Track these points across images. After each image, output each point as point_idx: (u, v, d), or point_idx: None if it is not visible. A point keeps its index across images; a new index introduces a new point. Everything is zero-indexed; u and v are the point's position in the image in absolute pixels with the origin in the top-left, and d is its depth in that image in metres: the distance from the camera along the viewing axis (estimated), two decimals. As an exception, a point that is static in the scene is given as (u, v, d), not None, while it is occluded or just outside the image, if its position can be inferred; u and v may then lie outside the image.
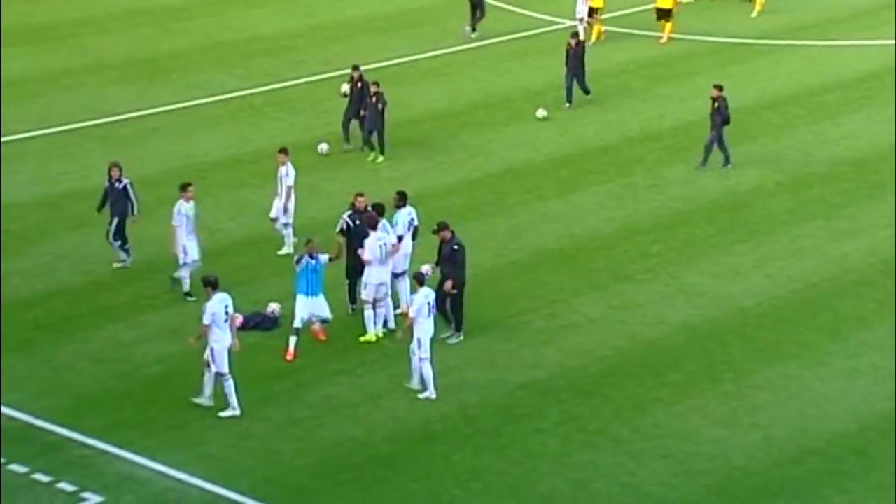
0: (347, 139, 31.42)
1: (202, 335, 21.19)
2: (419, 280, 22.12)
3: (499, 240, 27.53)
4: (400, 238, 23.91)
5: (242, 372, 22.55)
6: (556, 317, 24.71)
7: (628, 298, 25.42)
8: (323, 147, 30.97)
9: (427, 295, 21.93)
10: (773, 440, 21.10)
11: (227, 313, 21.33)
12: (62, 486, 19.52)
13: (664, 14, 39.78)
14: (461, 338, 23.54)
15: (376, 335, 23.47)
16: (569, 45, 34.34)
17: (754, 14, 41.80)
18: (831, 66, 38.13)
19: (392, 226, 23.97)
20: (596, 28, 39.44)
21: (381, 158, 30.81)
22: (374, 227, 23.44)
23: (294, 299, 23.06)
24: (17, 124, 31.42)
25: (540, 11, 41.88)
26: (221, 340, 21.23)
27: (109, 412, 21.44)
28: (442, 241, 23.40)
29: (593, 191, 30.20)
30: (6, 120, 30.54)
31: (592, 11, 39.12)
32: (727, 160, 30.99)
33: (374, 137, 31.00)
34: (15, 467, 19.89)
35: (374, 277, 23.35)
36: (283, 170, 26.21)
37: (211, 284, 21.39)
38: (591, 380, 22.73)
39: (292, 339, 22.90)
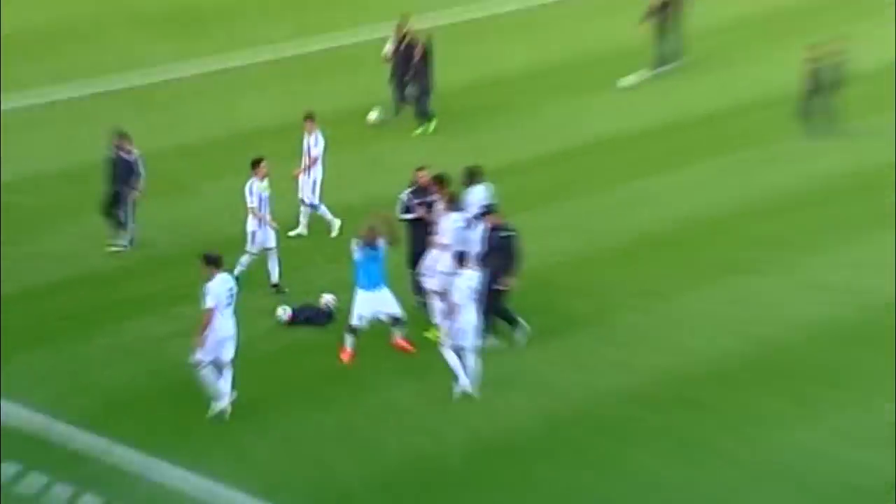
0: (397, 110, 31.14)
1: (206, 325, 21.04)
2: (461, 261, 22.15)
3: (588, 223, 27.45)
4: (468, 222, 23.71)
5: (291, 372, 22.73)
6: (653, 312, 24.64)
7: (740, 291, 25.29)
8: (373, 115, 30.86)
9: (471, 278, 21.99)
10: (912, 460, 20.91)
11: (230, 297, 21.30)
12: (86, 500, 19.70)
13: None
14: (495, 342, 23.30)
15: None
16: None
17: None
18: None
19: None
20: None
21: (432, 127, 30.60)
22: (454, 207, 23.41)
23: (353, 292, 23.04)
24: (33, 83, 31.71)
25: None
26: (223, 329, 21.21)
27: (141, 415, 21.65)
28: (492, 229, 23.20)
29: (699, 167, 30.10)
30: (22, 77, 30.87)
31: None
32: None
33: (422, 104, 30.68)
34: (35, 478, 20.10)
35: (446, 265, 23.32)
36: (311, 139, 26.05)
37: (213, 262, 21.33)
38: (695, 385, 22.61)
39: (349, 339, 22.94)
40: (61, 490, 19.90)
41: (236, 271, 24.33)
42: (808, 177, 29.53)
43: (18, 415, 21.55)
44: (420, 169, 24.42)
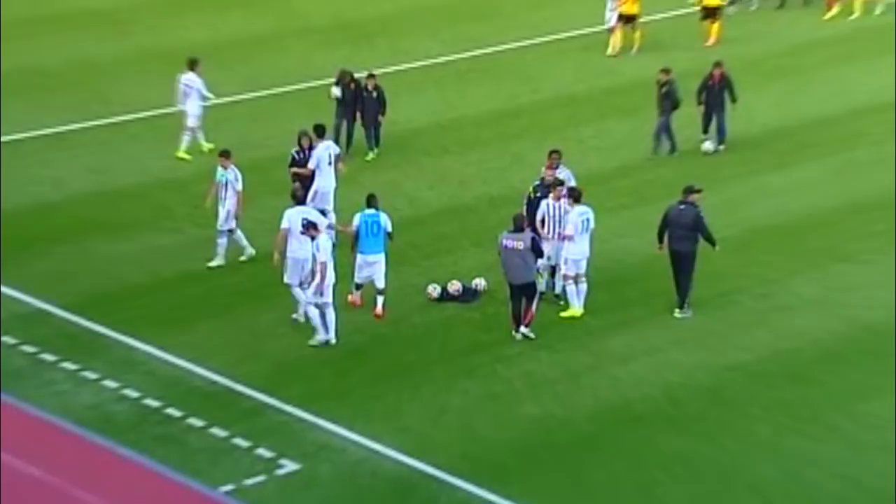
0: (349, 143, 29.49)
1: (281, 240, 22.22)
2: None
3: (711, 215, 26.85)
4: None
5: (441, 344, 22.69)
6: (769, 297, 24.22)
7: (848, 280, 24.79)
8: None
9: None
10: None
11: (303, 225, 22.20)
12: (261, 451, 19.87)
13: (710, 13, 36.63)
14: (687, 313, 23.28)
15: (580, 311, 23.31)
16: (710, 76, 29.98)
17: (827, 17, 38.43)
18: None
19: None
20: (637, 34, 35.82)
21: (372, 155, 29.36)
22: (578, 200, 23.26)
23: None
24: (224, 87, 32.06)
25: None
26: (297, 251, 22.20)
27: (307, 380, 21.75)
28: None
29: (813, 165, 29.57)
30: (215, 83, 31.23)
31: (629, 19, 35.62)
32: (673, 148, 29.73)
33: (372, 133, 29.49)
34: (216, 430, 20.34)
35: (576, 252, 23.14)
36: (230, 174, 24.69)
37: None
38: (805, 364, 22.20)
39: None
40: (240, 441, 20.11)
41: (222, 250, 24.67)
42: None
43: (202, 375, 21.82)
44: (549, 166, 24.23)
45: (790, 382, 21.73)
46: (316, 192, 25.28)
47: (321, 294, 22.23)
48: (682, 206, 23.42)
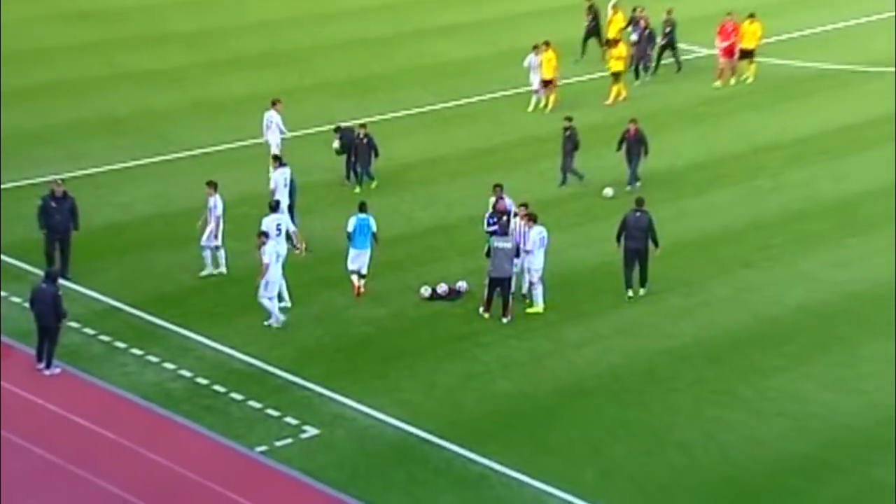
0: (348, 177, 29.06)
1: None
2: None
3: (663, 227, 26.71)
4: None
5: (431, 334, 22.52)
6: (691, 295, 24.09)
7: (752, 282, 24.67)
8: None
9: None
10: (875, 404, 20.24)
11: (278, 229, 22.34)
12: (288, 419, 19.70)
13: (747, 54, 35.86)
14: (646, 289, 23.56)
15: (541, 308, 23.14)
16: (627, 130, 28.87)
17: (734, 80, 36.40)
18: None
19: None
20: (552, 97, 34.23)
21: (374, 185, 28.75)
22: (535, 221, 23.05)
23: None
24: (257, 129, 31.86)
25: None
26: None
27: (325, 363, 21.56)
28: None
29: (724, 192, 29.37)
30: (251, 127, 30.91)
31: (547, 82, 34.14)
32: (574, 177, 28.86)
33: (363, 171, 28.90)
34: (253, 403, 20.16)
35: (536, 263, 23.02)
36: (211, 201, 24.23)
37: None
38: (720, 349, 22.09)
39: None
40: (271, 412, 19.92)
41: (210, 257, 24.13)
42: (803, 199, 28.67)
43: (241, 359, 21.57)
44: (499, 187, 24.40)
45: (708, 363, 21.61)
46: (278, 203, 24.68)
47: (266, 290, 22.13)
48: (638, 213, 23.48)
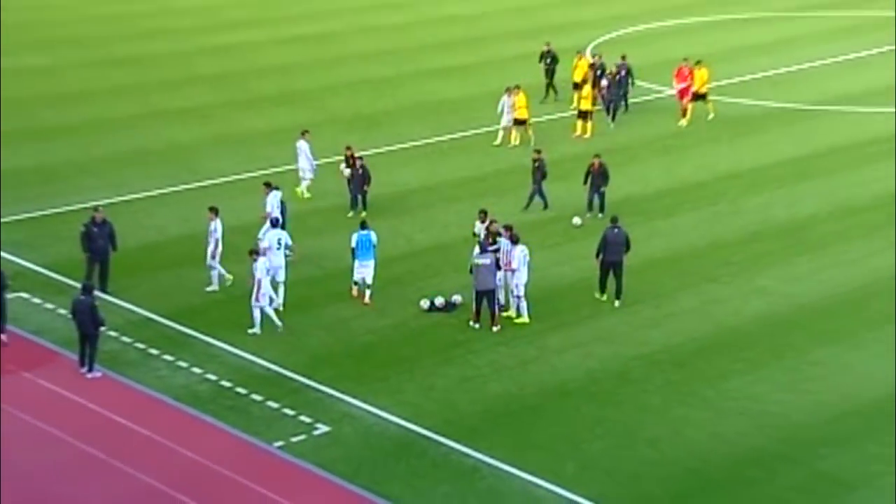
0: (354, 206, 28.99)
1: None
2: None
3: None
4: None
5: (429, 342, 22.63)
6: (660, 307, 24.20)
7: (715, 295, 24.79)
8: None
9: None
10: (823, 403, 20.37)
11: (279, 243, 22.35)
12: (302, 418, 19.80)
13: (700, 97, 35.80)
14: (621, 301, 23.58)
15: (527, 319, 23.25)
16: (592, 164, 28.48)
17: (706, 116, 36.07)
18: (867, 127, 36.69)
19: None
20: (530, 132, 33.85)
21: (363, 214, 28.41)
22: (517, 241, 23.14)
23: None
24: (275, 160, 31.97)
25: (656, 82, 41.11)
26: (273, 260, 22.39)
27: (335, 367, 21.64)
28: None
29: (689, 215, 29.50)
30: (269, 158, 30.98)
31: (520, 122, 33.69)
32: (545, 205, 28.82)
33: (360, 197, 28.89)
34: (271, 403, 20.26)
35: (520, 279, 23.16)
36: (212, 225, 24.10)
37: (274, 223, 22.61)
38: (687, 354, 22.21)
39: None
40: (287, 411, 20.02)
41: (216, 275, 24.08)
42: (759, 222, 28.79)
43: (261, 364, 21.65)
44: (484, 212, 24.50)
45: (675, 367, 21.71)
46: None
47: (257, 300, 22.23)
48: (616, 230, 23.74)
